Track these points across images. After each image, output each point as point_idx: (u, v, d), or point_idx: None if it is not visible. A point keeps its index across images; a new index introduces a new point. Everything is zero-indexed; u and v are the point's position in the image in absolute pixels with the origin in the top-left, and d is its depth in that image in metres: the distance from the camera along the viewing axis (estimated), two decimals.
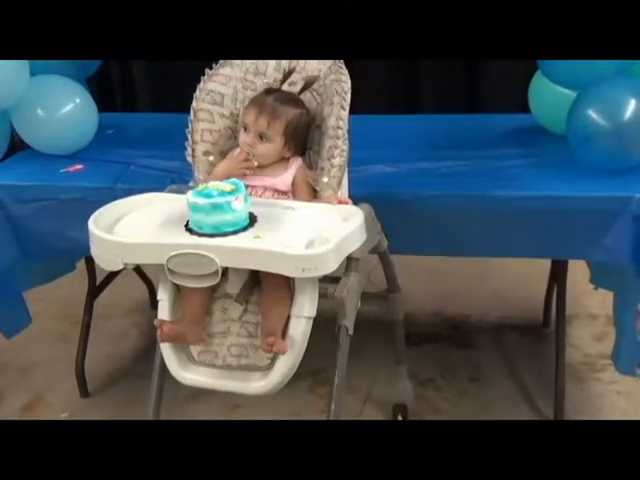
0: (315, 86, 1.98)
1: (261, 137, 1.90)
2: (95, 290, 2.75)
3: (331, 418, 1.79)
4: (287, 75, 2.00)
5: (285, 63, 2.00)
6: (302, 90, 1.99)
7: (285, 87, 2.00)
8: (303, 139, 1.96)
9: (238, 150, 1.94)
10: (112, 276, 2.75)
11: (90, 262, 2.66)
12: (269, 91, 1.97)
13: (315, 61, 1.98)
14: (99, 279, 2.75)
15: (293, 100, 1.96)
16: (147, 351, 2.69)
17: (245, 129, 1.92)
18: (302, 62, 1.99)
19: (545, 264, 2.76)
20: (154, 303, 1.82)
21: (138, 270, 2.95)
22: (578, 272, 2.50)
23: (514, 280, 3.15)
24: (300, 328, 1.70)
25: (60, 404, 2.66)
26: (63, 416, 2.59)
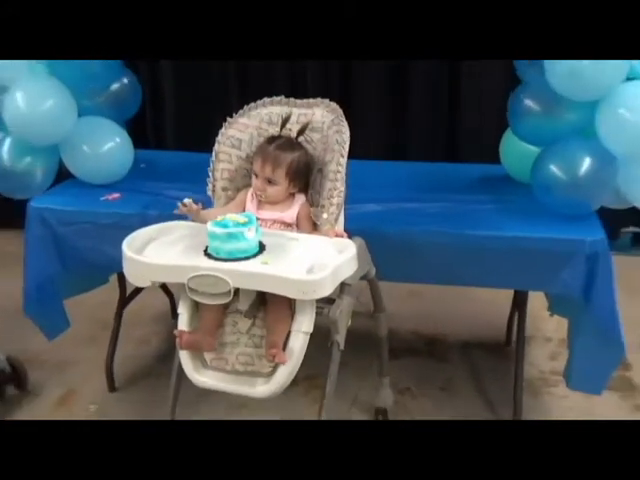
0: (319, 136, 1.98)
1: (269, 181, 1.92)
2: (125, 301, 2.74)
3: (323, 418, 1.79)
4: (285, 122, 2.00)
5: (289, 113, 2.00)
6: (299, 134, 1.99)
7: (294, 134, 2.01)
8: (305, 175, 1.97)
9: (251, 191, 1.96)
10: (140, 289, 2.73)
11: (121, 277, 2.64)
12: (270, 140, 1.97)
13: (319, 113, 1.98)
14: (128, 291, 2.74)
15: (291, 144, 1.96)
16: (167, 355, 2.66)
17: (256, 176, 1.94)
18: (309, 114, 1.99)
19: (508, 292, 2.75)
20: (174, 313, 1.83)
21: (162, 284, 2.94)
22: (536, 300, 2.50)
23: (482, 305, 3.13)
24: (299, 342, 1.71)
25: (90, 397, 2.64)
26: (92, 407, 2.58)
